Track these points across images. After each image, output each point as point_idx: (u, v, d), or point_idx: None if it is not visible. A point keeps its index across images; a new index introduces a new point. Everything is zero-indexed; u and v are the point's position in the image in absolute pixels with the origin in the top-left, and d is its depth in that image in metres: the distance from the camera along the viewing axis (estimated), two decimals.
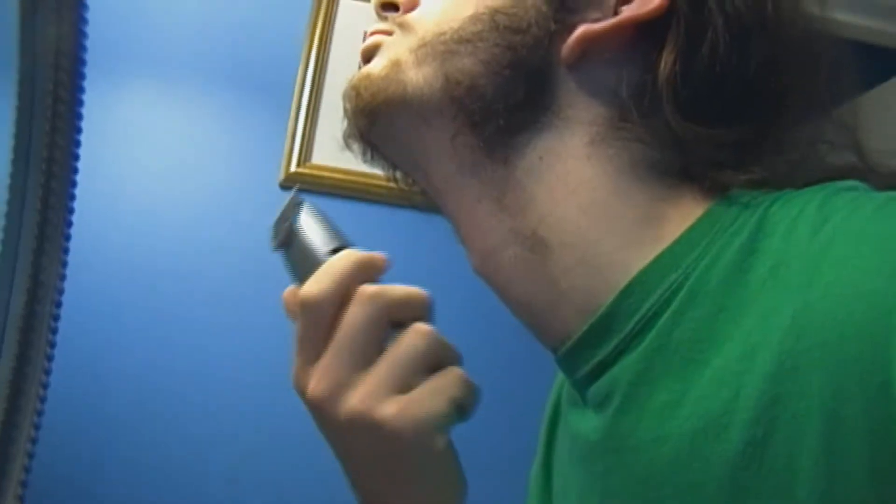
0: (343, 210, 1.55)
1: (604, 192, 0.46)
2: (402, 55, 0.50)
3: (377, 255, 0.47)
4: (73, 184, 1.04)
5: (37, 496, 1.09)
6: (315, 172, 1.54)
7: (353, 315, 0.44)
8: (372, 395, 0.43)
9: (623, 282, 0.45)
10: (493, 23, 0.48)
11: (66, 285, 1.08)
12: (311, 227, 0.50)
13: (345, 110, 0.54)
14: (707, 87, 0.46)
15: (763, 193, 0.44)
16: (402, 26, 0.51)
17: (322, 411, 0.45)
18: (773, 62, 0.46)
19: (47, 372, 1.03)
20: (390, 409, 0.43)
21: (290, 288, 0.48)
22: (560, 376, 0.60)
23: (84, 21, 1.00)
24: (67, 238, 1.04)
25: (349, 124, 0.54)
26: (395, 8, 0.53)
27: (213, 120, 1.56)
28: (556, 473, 0.57)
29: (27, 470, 0.98)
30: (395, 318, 0.45)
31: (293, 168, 1.53)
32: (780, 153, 0.47)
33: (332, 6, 1.60)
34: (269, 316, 1.49)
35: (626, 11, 0.47)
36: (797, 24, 0.47)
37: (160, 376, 1.43)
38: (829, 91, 0.48)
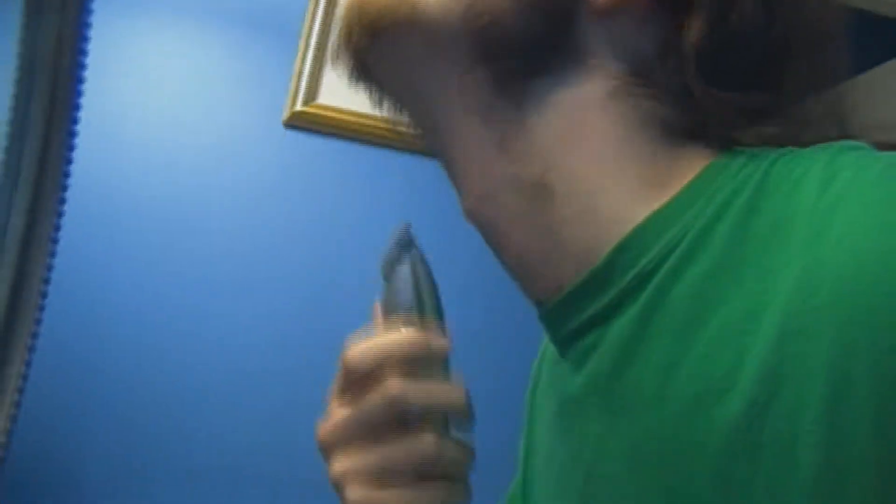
0: (347, 152, 1.55)
1: (615, 144, 0.46)
2: None
3: (437, 343, 0.48)
4: (77, 111, 1.04)
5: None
6: (320, 112, 1.53)
7: (372, 403, 0.46)
8: (348, 474, 0.46)
9: (623, 236, 0.44)
10: None
11: (65, 221, 1.08)
12: (401, 275, 0.51)
13: (343, 22, 0.49)
14: (732, 53, 0.45)
15: (766, 150, 0.44)
16: None
17: (320, 449, 0.48)
18: (795, 30, 0.46)
19: (38, 322, 1.04)
20: (356, 495, 0.46)
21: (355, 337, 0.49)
22: (545, 342, 0.60)
23: None
24: (69, 166, 1.04)
25: (344, 38, 0.49)
26: None
27: (219, 56, 1.55)
28: (538, 439, 0.57)
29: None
30: (420, 412, 0.47)
31: (298, 107, 1.52)
32: (791, 119, 0.46)
33: None
34: (270, 259, 1.51)
35: None
36: None
37: (157, 327, 1.44)
38: (841, 61, 0.48)
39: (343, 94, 1.53)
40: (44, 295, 1.03)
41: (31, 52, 0.98)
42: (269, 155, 1.52)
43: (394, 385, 0.46)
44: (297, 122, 1.53)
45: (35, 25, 0.97)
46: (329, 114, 1.53)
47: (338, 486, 0.47)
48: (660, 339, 0.41)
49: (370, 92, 0.52)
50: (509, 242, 0.49)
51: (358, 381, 0.47)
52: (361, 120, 1.52)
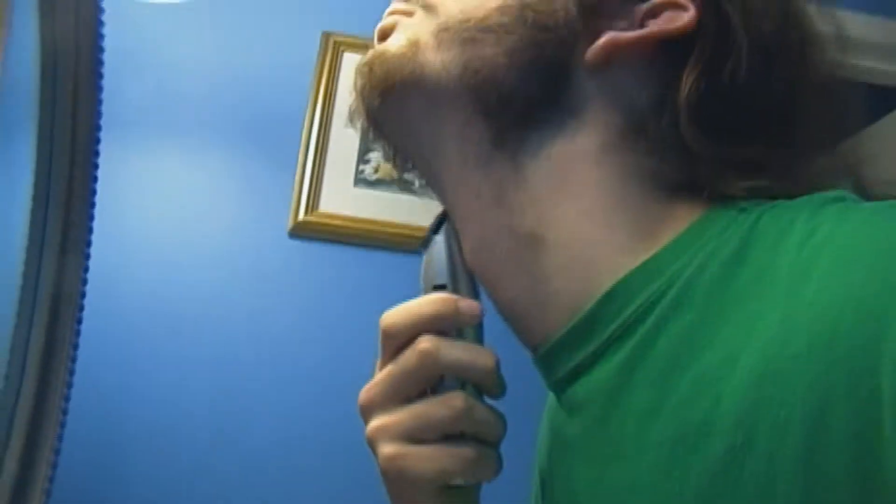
0: (350, 256, 1.58)
1: (607, 197, 0.46)
2: (422, 36, 0.49)
3: (468, 305, 0.48)
4: (89, 233, 1.08)
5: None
6: (322, 220, 1.57)
7: (406, 359, 0.47)
8: (381, 430, 0.47)
9: (610, 286, 0.45)
10: (522, 17, 0.47)
11: (82, 333, 1.10)
12: (435, 254, 0.52)
13: (355, 85, 0.53)
14: (726, 107, 0.46)
15: (755, 203, 0.44)
16: (426, 7, 0.50)
17: (361, 413, 0.49)
18: (792, 87, 0.47)
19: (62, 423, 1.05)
20: (387, 450, 0.46)
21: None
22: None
23: (100, 76, 1.04)
24: (84, 284, 1.06)
25: (357, 100, 0.52)
26: None
27: (222, 171, 1.60)
28: (546, 473, 0.57)
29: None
30: (450, 374, 0.47)
31: (301, 216, 1.57)
32: (785, 176, 0.47)
33: (336, 60, 1.65)
34: (280, 369, 1.52)
35: (654, 25, 0.47)
36: (817, 53, 0.48)
37: (169, 435, 1.45)
38: (839, 122, 0.49)
39: (344, 202, 1.58)
40: (66, 397, 1.05)
41: (45, 183, 1.02)
42: (277, 263, 1.56)
43: (426, 341, 0.46)
44: (302, 231, 1.57)
45: (46, 152, 1.02)
46: (332, 221, 1.57)
47: (372, 444, 0.48)
48: (641, 390, 0.42)
49: (382, 148, 0.56)
50: (502, 289, 0.50)
51: (395, 345, 0.48)
52: (363, 225, 1.56)
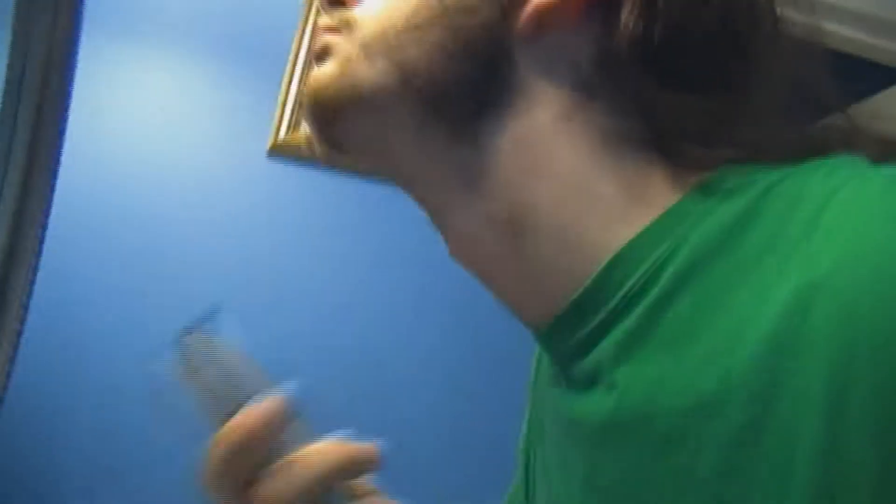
0: (328, 180, 1.55)
1: (577, 170, 0.45)
2: (349, 55, 0.48)
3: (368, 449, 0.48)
4: (62, 136, 1.04)
5: None
6: (304, 141, 1.53)
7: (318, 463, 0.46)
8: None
9: (607, 259, 0.44)
10: (442, 6, 0.46)
11: (46, 245, 1.08)
12: (217, 366, 0.49)
13: (305, 114, 0.52)
14: (671, 47, 0.44)
15: (758, 170, 0.43)
16: (348, 23, 0.49)
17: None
18: (737, 22, 0.45)
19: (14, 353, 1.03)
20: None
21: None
22: (536, 354, 0.59)
23: None
24: (52, 194, 1.04)
25: (311, 127, 0.52)
26: (342, 2, 0.50)
27: (205, 83, 1.56)
28: (543, 442, 0.56)
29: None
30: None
31: (282, 136, 1.53)
32: (760, 124, 0.45)
33: None
34: (254, 290, 1.50)
35: None
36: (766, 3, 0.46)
37: (137, 354, 1.44)
38: (808, 86, 0.47)
39: None
40: (22, 321, 1.03)
41: (19, 73, 0.98)
42: (254, 184, 1.53)
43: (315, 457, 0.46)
44: (282, 151, 1.53)
45: (23, 47, 0.98)
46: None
47: None
48: (653, 357, 0.41)
49: (351, 161, 0.55)
50: (495, 279, 0.49)
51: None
52: None
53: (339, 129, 0.50)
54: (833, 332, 0.33)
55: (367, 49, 0.48)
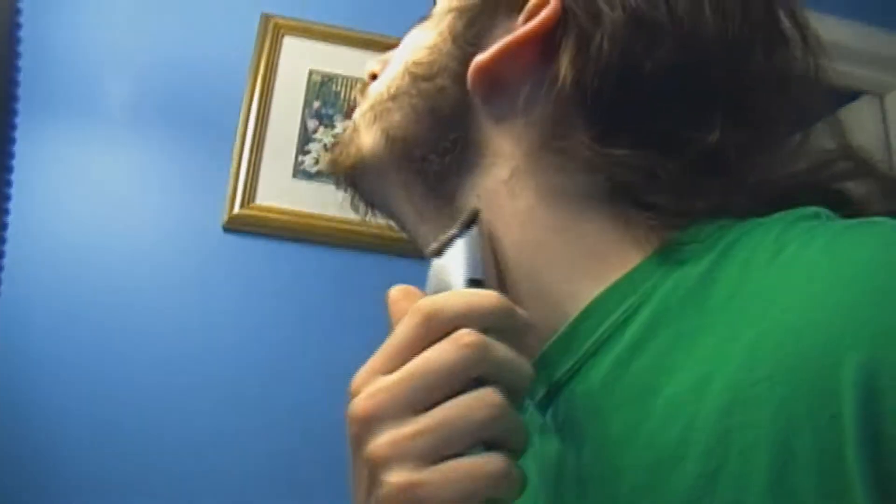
0: (287, 252, 1.51)
1: (536, 226, 0.46)
2: (358, 121, 0.55)
3: (523, 313, 0.40)
4: (6, 215, 0.99)
5: None
6: (259, 214, 1.50)
7: (443, 354, 0.37)
8: (396, 449, 0.36)
9: (577, 311, 0.44)
10: (411, 75, 0.51)
11: None
12: (467, 249, 0.44)
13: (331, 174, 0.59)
14: (617, 100, 0.44)
15: (725, 223, 0.43)
16: (362, 94, 0.56)
17: (353, 426, 0.38)
18: (684, 70, 0.44)
19: None
20: (399, 478, 0.35)
21: (401, 289, 0.43)
22: None
23: (17, 55, 0.96)
24: None
25: (339, 182, 0.58)
26: (375, 76, 0.57)
27: (153, 161, 1.51)
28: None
29: None
30: (483, 376, 0.38)
31: (237, 209, 1.49)
32: (729, 176, 0.45)
33: (276, 44, 1.58)
34: (210, 365, 1.45)
35: (514, 33, 0.47)
36: (711, 31, 0.45)
37: (99, 427, 1.36)
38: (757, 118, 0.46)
39: (282, 194, 1.51)
40: None
41: None
42: (211, 259, 1.48)
43: (471, 335, 0.37)
44: (237, 225, 1.49)
45: None
46: (269, 214, 1.50)
47: (376, 467, 0.36)
48: (619, 411, 0.41)
49: (366, 209, 0.60)
50: None
51: (436, 335, 0.38)
52: (302, 219, 1.50)
53: (359, 182, 0.57)
54: (776, 385, 0.34)
55: (367, 116, 0.54)
